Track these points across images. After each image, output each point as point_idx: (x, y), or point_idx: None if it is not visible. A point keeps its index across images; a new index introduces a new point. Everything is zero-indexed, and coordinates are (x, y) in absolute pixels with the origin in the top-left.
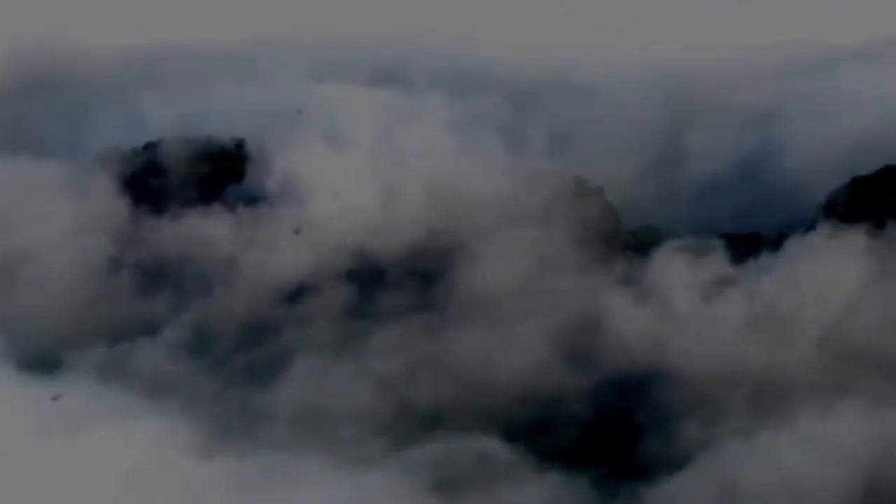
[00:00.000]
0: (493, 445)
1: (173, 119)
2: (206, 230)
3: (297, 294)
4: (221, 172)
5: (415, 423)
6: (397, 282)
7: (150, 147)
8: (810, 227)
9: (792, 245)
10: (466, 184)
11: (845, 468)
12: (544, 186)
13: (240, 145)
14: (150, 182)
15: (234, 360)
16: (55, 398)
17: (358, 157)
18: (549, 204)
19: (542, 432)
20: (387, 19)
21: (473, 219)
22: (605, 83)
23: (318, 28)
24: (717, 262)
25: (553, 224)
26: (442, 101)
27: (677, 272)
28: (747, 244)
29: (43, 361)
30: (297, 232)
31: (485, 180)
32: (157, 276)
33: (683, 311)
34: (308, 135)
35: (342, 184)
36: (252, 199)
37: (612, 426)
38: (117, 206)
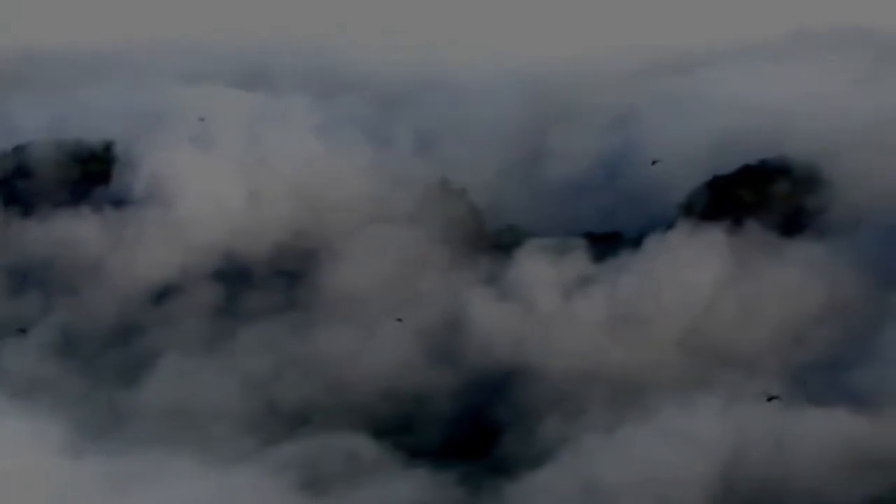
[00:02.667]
0: (361, 443)
1: (42, 122)
2: (74, 232)
3: (164, 294)
4: (90, 174)
5: (282, 421)
6: (264, 281)
7: (19, 150)
8: (670, 225)
9: (652, 244)
10: (332, 184)
11: (704, 461)
12: (409, 187)
13: (108, 147)
14: (19, 184)
15: (103, 360)
16: None
17: (224, 159)
18: (414, 204)
19: (408, 429)
20: (251, 22)
21: (339, 219)
22: (470, 84)
23: (183, 31)
24: (579, 261)
25: (418, 224)
26: (307, 102)
27: (539, 271)
28: (608, 243)
29: None
30: None
31: (350, 181)
32: (25, 277)
33: (545, 310)
34: (175, 137)
35: (209, 185)
36: (119, 201)
37: (476, 423)
38: None
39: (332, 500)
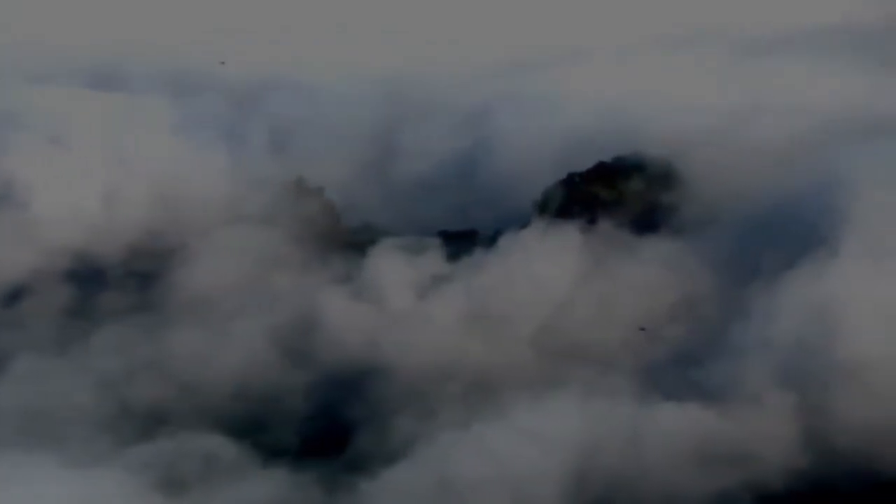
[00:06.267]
0: (218, 443)
1: None
2: None
3: (15, 295)
4: None
5: (138, 422)
6: (117, 282)
7: None
8: (525, 224)
9: (506, 242)
10: (187, 184)
11: (559, 458)
12: (265, 186)
13: None
14: None
15: None
16: None
17: (79, 159)
18: (270, 203)
19: (264, 429)
20: (102, 22)
21: (194, 219)
22: (323, 84)
23: (34, 31)
24: (433, 259)
25: (273, 223)
26: (162, 102)
27: (393, 270)
28: (463, 242)
29: None
30: None
31: (205, 181)
32: None
33: (399, 309)
34: (29, 137)
35: (62, 185)
36: None
37: (331, 422)
38: None
39: (191, 500)
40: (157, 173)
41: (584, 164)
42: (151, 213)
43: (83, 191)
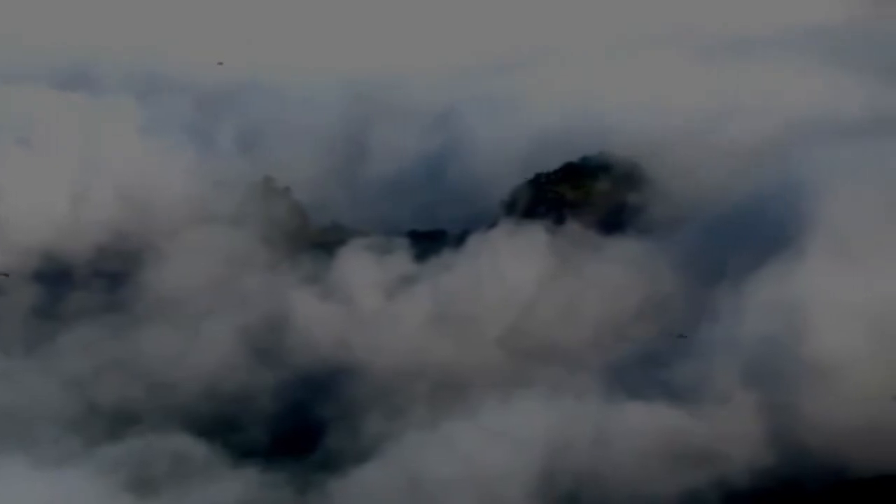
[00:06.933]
0: (188, 443)
1: None
2: None
3: None
4: None
5: (107, 421)
6: (85, 282)
7: None
8: (493, 224)
9: (474, 242)
10: (155, 185)
11: (526, 456)
12: (233, 187)
13: None
14: None
15: None
16: None
17: (46, 160)
18: (238, 204)
19: (234, 429)
20: (69, 22)
21: (162, 219)
22: (292, 85)
23: (1, 32)
24: (402, 259)
25: (241, 223)
26: (130, 102)
27: (362, 270)
28: (431, 241)
29: None
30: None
31: (173, 181)
32: None
33: (368, 308)
34: None
35: (29, 185)
36: None
37: (301, 421)
38: None
39: (161, 500)
40: (125, 174)
41: (551, 164)
42: (119, 214)
43: (51, 191)
